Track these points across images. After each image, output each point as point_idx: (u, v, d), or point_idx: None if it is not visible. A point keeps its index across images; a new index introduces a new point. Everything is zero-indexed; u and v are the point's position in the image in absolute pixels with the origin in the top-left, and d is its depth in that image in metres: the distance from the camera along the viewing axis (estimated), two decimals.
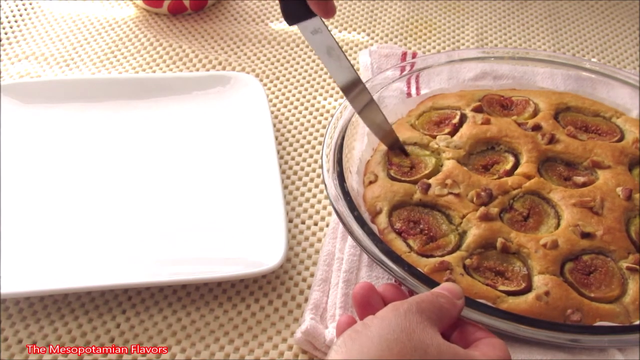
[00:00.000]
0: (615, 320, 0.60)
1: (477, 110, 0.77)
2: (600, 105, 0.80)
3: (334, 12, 0.61)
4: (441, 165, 0.71)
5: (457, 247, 0.64)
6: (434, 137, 0.74)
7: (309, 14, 0.62)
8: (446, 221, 0.67)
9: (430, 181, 0.69)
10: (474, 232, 0.65)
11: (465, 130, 0.74)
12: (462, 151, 0.72)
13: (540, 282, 0.61)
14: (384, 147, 0.73)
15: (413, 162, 0.72)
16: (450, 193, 0.68)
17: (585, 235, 0.65)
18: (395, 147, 0.73)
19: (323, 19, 0.63)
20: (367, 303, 0.52)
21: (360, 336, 0.46)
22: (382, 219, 0.67)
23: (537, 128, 0.75)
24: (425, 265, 0.62)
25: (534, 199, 0.69)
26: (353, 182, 0.70)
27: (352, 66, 0.67)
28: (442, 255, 0.63)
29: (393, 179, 0.70)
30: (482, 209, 0.66)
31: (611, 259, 0.64)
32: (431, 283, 0.58)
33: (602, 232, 0.65)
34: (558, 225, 0.67)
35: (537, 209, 0.68)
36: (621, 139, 0.76)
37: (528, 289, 0.61)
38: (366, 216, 0.66)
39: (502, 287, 0.61)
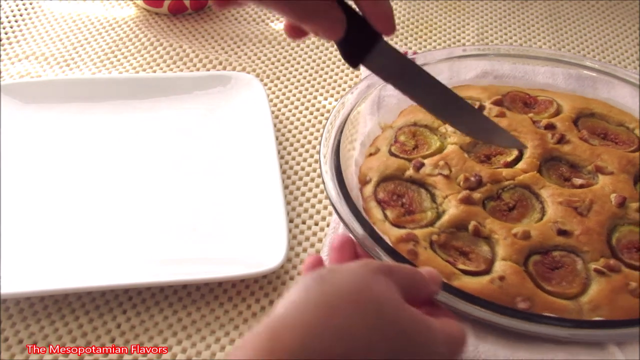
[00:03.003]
0: (566, 315, 0.60)
1: (497, 103, 0.78)
2: (626, 116, 0.79)
3: (394, 28, 0.55)
4: (444, 149, 0.72)
5: (431, 224, 0.65)
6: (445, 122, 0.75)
7: (371, 40, 0.56)
8: (429, 199, 0.68)
9: (425, 161, 0.70)
10: (451, 212, 0.66)
11: None
12: (468, 139, 0.73)
13: (499, 267, 0.62)
14: (396, 125, 0.75)
15: (418, 142, 0.73)
16: (440, 174, 0.69)
17: (562, 233, 0.65)
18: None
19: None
20: (343, 249, 0.53)
21: (324, 282, 0.44)
22: (369, 188, 0.69)
23: (550, 127, 0.75)
24: (393, 235, 0.63)
25: (523, 192, 0.69)
26: (357, 154, 0.71)
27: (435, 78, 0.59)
28: (414, 229, 0.64)
29: (393, 154, 0.72)
30: (465, 192, 0.67)
31: (581, 259, 0.64)
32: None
33: (580, 232, 0.65)
34: (541, 220, 0.67)
35: (525, 203, 0.68)
36: (637, 150, 0.75)
37: (486, 271, 0.62)
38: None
39: (461, 266, 0.62)
